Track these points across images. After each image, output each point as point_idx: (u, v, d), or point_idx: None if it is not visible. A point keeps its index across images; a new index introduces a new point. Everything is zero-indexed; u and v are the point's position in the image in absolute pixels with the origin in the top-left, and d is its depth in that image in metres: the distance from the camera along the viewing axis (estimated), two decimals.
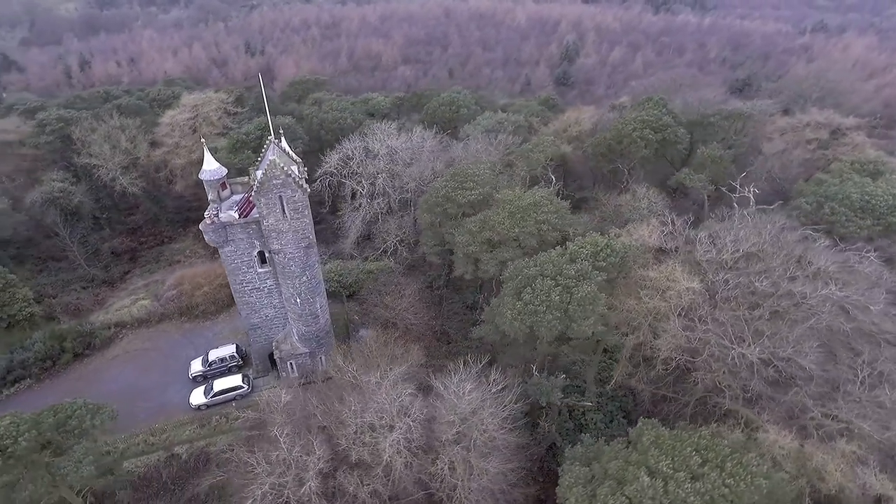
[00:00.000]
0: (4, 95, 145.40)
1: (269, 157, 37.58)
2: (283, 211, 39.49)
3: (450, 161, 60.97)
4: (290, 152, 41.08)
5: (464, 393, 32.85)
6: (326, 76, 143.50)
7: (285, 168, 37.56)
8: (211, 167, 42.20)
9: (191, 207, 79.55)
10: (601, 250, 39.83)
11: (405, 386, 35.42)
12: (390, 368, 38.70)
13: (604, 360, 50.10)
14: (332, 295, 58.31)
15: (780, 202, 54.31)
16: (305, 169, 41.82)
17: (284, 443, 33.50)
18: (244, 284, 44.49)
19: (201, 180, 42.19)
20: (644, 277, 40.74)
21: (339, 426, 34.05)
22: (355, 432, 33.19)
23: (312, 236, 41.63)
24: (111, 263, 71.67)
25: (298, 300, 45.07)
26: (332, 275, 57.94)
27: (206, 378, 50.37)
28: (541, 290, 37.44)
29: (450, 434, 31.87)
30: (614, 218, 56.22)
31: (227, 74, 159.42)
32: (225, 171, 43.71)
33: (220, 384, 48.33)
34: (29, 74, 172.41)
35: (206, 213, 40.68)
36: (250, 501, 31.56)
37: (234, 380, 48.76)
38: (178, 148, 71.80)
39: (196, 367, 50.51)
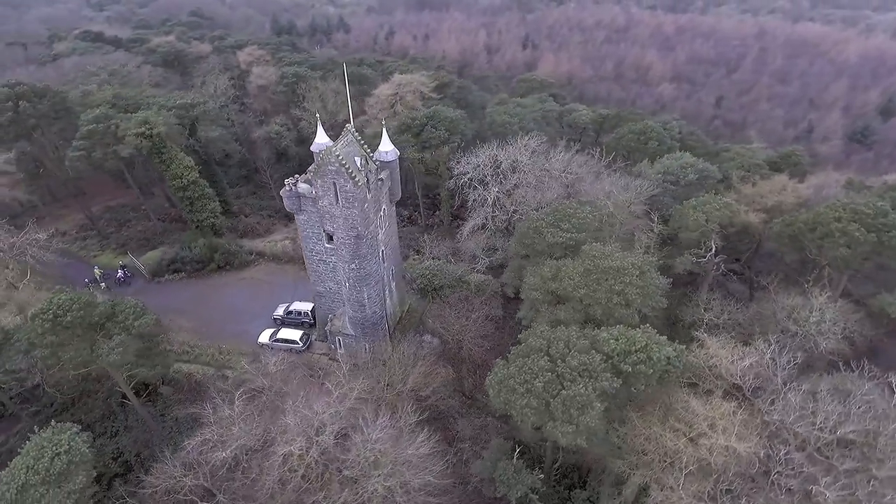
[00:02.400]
0: (320, 49, 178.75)
1: (325, 143, 38.91)
2: (337, 197, 40.66)
3: (573, 193, 54.31)
4: (362, 145, 41.69)
5: (371, 440, 29.98)
6: (564, 79, 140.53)
7: (340, 157, 38.43)
8: (321, 140, 45.69)
9: None
10: (634, 352, 31.47)
11: (353, 406, 33.99)
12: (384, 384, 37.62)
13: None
14: (420, 292, 58.61)
15: None
16: (375, 164, 42.16)
17: (238, 406, 35.63)
18: (313, 254, 47.49)
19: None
20: (686, 405, 31.11)
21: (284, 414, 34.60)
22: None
23: (363, 229, 42.04)
24: None
25: (347, 285, 46.42)
26: (426, 273, 57.74)
27: (282, 323, 56.01)
28: (530, 369, 31.54)
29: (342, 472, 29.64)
30: (738, 324, 43.63)
31: (491, 62, 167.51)
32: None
33: (283, 333, 53.25)
34: (351, 36, 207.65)
35: (286, 180, 44.29)
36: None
37: (295, 334, 53.12)
38: (373, 120, 78.88)
39: (279, 311, 56.41)
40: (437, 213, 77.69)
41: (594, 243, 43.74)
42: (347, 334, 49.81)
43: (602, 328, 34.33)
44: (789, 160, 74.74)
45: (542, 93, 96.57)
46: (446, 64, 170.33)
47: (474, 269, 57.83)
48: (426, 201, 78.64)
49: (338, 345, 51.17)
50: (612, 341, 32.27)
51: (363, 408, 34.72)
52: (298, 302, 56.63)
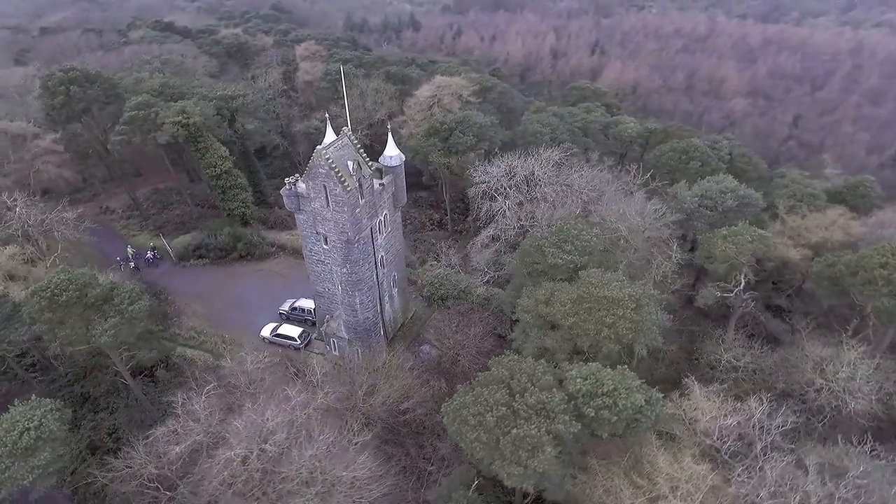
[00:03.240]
0: (385, 46, 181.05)
1: (320, 148, 38.36)
2: (327, 200, 40.13)
3: (589, 211, 51.06)
4: (358, 149, 40.89)
5: (306, 457, 28.99)
6: (628, 88, 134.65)
7: (330, 160, 37.83)
8: (329, 140, 45.44)
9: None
10: (600, 396, 28.87)
11: (313, 415, 33.26)
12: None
13: None
14: (426, 300, 57.39)
15: None
16: (371, 171, 41.27)
17: (203, 403, 35.85)
18: (311, 254, 47.31)
19: None
20: (652, 460, 28.22)
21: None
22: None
23: (352, 234, 41.29)
24: None
25: (340, 289, 45.91)
26: (434, 281, 56.37)
27: (287, 319, 56.43)
28: (486, 400, 29.60)
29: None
30: (759, 369, 39.48)
31: (555, 67, 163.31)
32: None
33: (283, 329, 53.57)
34: (420, 35, 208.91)
35: (286, 179, 44.24)
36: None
37: (295, 331, 53.30)
38: (410, 121, 78.38)
39: (285, 306, 56.87)
40: (467, 218, 76.13)
41: (594, 269, 40.89)
42: (341, 337, 49.38)
43: (573, 364, 31.79)
44: (856, 191, 67.48)
45: (594, 102, 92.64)
46: (508, 66, 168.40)
47: (485, 282, 55.88)
48: (456, 207, 77.26)
49: (332, 347, 50.88)
50: (578, 380, 29.76)
51: (324, 418, 33.95)
52: (304, 299, 56.83)
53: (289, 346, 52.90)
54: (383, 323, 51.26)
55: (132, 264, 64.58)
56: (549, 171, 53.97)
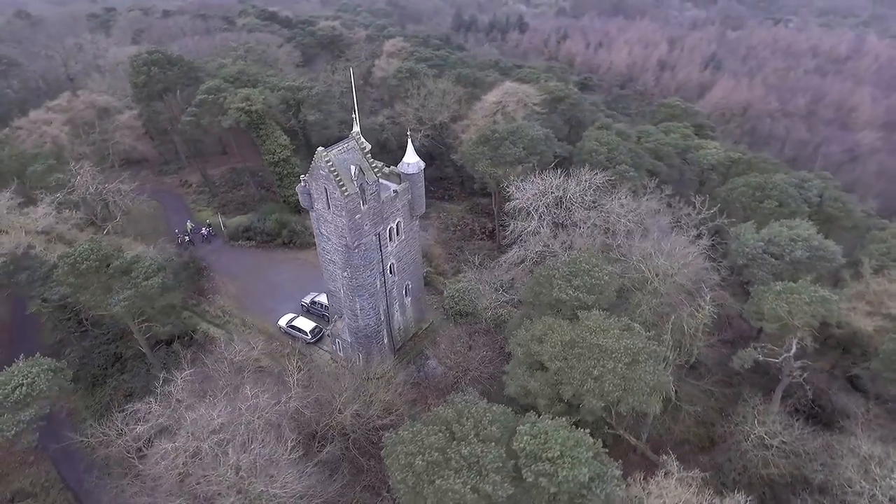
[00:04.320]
0: (487, 46, 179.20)
1: (321, 149, 37.79)
2: (328, 203, 39.52)
3: (609, 246, 46.12)
4: (365, 154, 39.78)
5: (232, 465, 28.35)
6: (738, 109, 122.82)
7: (330, 163, 37.14)
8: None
9: (462, 181, 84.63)
10: (544, 459, 25.68)
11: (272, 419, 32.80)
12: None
13: None
14: (445, 312, 55.62)
15: None
16: (386, 174, 40.22)
17: (179, 386, 36.70)
18: (324, 252, 47.04)
19: None
20: None
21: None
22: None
23: (351, 240, 40.35)
24: None
25: (342, 293, 45.30)
26: (455, 295, 54.34)
27: (307, 311, 57.06)
28: (422, 441, 27.42)
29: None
30: (794, 453, 33.68)
31: (659, 80, 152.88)
32: (367, 147, 46.20)
33: (298, 322, 54.14)
34: (525, 37, 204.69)
35: (302, 176, 44.19)
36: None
37: (308, 325, 53.67)
38: (473, 126, 76.39)
39: (306, 299, 57.49)
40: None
41: (598, 311, 36.93)
42: (345, 339, 48.92)
43: (528, 415, 28.66)
44: None
45: (682, 122, 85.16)
46: (608, 76, 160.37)
47: (505, 303, 52.98)
48: (505, 219, 74.29)
49: (338, 347, 50.59)
50: (525, 437, 26.67)
51: (269, 427, 33.36)
52: (325, 294, 57.09)
53: (301, 339, 53.37)
54: (390, 331, 50.13)
55: (187, 238, 68.51)
56: (587, 195, 49.74)
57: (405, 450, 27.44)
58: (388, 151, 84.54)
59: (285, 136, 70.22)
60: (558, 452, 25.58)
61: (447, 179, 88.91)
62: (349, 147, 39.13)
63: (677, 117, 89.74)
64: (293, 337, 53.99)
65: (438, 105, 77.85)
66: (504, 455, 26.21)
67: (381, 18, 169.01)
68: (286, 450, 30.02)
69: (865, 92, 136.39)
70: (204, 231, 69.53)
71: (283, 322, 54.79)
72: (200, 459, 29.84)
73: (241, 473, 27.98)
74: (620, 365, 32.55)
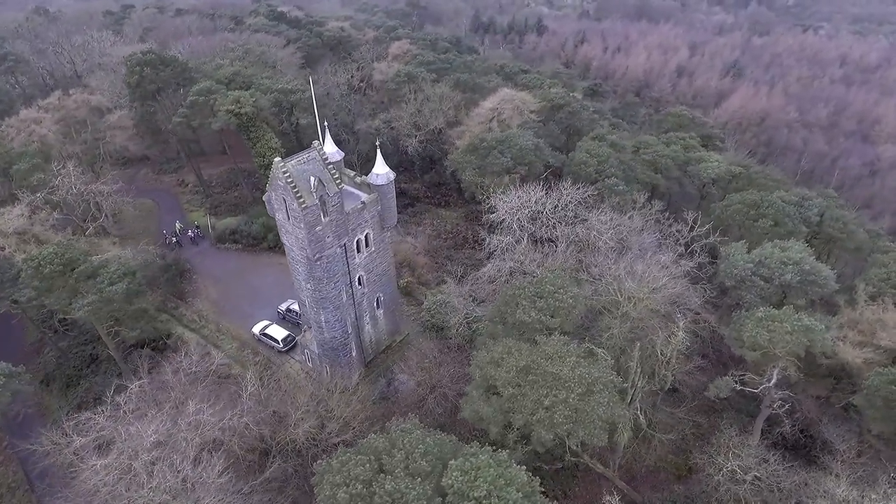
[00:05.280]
0: (503, 48, 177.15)
1: (333, 152, 37.70)
2: (287, 214, 38.58)
3: (581, 266, 44.13)
4: (326, 164, 38.66)
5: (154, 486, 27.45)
6: (755, 118, 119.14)
7: (287, 174, 36.16)
8: (329, 149, 44.26)
9: (459, 188, 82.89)
10: (471, 498, 24.24)
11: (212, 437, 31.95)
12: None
13: None
14: (422, 325, 54.42)
15: None
16: (340, 188, 38.96)
17: (125, 397, 36.10)
18: (291, 261, 46.21)
19: None
20: None
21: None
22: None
23: (312, 252, 39.30)
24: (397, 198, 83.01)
25: (307, 304, 44.35)
26: (431, 308, 53.08)
27: (283, 318, 56.29)
28: (348, 472, 26.20)
29: None
30: (769, 489, 31.74)
31: (675, 87, 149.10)
32: (339, 156, 45.35)
33: (271, 329, 53.39)
34: (542, 40, 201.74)
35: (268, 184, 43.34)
36: None
37: (280, 333, 52.90)
38: (468, 132, 74.92)
39: (283, 306, 56.71)
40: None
41: (561, 335, 35.28)
42: (313, 350, 47.99)
43: (467, 447, 27.25)
44: None
45: (690, 132, 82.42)
46: (624, 81, 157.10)
47: (480, 318, 51.42)
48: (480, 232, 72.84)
49: (307, 357, 49.71)
50: (455, 473, 25.25)
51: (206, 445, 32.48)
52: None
53: (273, 347, 52.65)
54: (361, 344, 49.06)
55: (175, 239, 68.42)
56: (568, 209, 47.95)
57: (331, 480, 26.29)
58: (384, 156, 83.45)
59: (276, 140, 69.61)
60: (485, 492, 24.13)
61: (445, 185, 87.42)
62: (310, 157, 38.10)
63: (684, 127, 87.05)
64: (266, 345, 53.29)
65: (435, 110, 76.59)
66: (429, 492, 24.83)
67: (397, 19, 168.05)
68: (217, 472, 29.02)
69: (891, 103, 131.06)
70: (191, 232, 69.36)
71: (256, 329, 54.12)
72: (133, 478, 29.10)
73: (164, 497, 27.13)
74: (573, 395, 30.92)
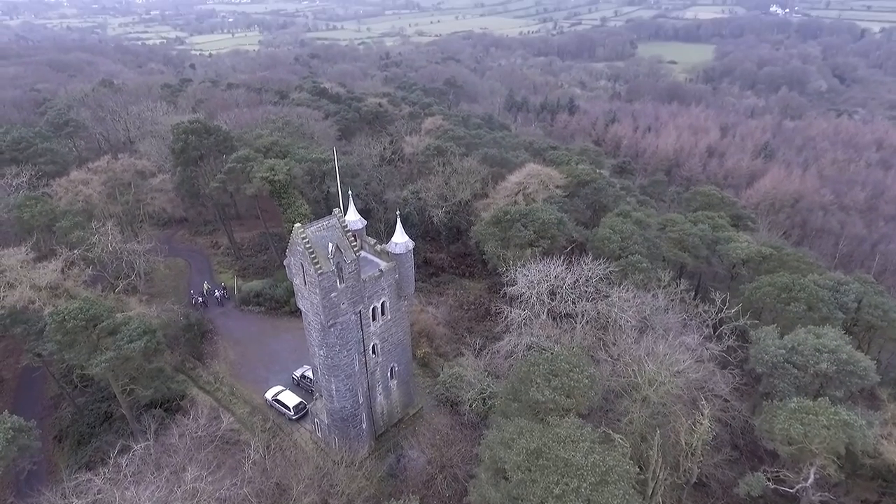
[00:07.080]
0: (534, 126, 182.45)
1: (355, 220, 38.93)
2: (304, 279, 38.93)
3: (600, 344, 42.46)
4: (345, 231, 39.26)
5: None
6: (788, 200, 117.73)
7: (306, 240, 36.81)
8: (351, 217, 45.23)
9: (484, 259, 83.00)
10: None
11: None
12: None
13: None
14: (436, 398, 53.02)
15: None
16: (357, 257, 39.37)
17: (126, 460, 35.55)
18: (306, 326, 46.16)
19: None
20: None
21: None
22: None
23: (326, 318, 39.18)
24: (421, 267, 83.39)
25: (318, 371, 43.81)
26: (448, 381, 51.81)
27: (297, 385, 55.63)
28: None
29: None
30: None
31: (706, 166, 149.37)
32: (361, 224, 46.17)
33: (284, 395, 52.66)
34: (574, 118, 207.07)
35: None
36: None
37: (293, 400, 52.05)
38: (493, 205, 75.94)
39: (297, 372, 56.19)
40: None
41: (575, 417, 33.63)
42: (322, 420, 46.88)
43: None
44: None
45: (719, 211, 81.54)
46: (654, 161, 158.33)
47: (495, 394, 49.72)
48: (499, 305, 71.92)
49: (316, 427, 48.52)
50: None
51: None
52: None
53: (284, 414, 51.73)
54: (372, 415, 47.75)
55: (201, 299, 69.65)
56: (589, 286, 47.09)
57: None
58: (410, 225, 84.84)
59: (306, 206, 71.70)
60: None
61: (470, 256, 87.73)
62: (329, 224, 38.86)
63: (713, 206, 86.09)
64: (277, 411, 52.42)
65: (461, 183, 78.19)
66: None
67: (434, 97, 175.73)
68: None
69: None
70: (218, 293, 70.59)
71: (269, 395, 53.48)
72: None
73: None
74: (585, 484, 28.94)
